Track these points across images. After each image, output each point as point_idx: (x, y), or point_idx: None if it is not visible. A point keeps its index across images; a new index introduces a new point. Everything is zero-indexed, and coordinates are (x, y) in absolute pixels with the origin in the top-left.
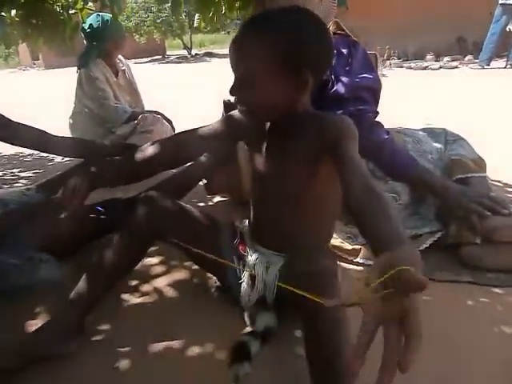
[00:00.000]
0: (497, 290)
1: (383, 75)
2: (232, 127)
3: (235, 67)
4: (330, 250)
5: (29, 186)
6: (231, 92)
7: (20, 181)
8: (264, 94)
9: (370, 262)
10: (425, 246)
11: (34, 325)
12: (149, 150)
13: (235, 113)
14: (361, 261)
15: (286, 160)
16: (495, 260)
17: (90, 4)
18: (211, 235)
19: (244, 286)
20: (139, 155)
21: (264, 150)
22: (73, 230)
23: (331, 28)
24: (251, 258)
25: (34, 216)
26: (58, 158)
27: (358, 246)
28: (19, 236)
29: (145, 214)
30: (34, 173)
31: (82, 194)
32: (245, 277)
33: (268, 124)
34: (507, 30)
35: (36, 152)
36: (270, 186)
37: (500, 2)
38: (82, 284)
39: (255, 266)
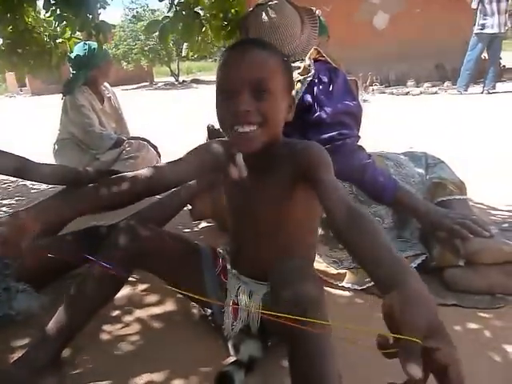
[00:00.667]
0: (483, 314)
1: (365, 100)
2: (207, 159)
3: (241, 80)
4: (314, 275)
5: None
6: (241, 106)
7: (2, 208)
8: (279, 108)
9: (356, 287)
10: None
11: (9, 358)
12: (122, 183)
13: (211, 143)
14: (346, 285)
15: (262, 190)
16: (480, 282)
17: (78, 33)
18: (192, 263)
19: (227, 314)
20: (112, 187)
21: (240, 180)
22: (52, 259)
23: (312, 55)
24: (233, 285)
25: None
26: (42, 185)
27: (343, 271)
28: None
29: (124, 242)
30: (16, 200)
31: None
32: (227, 305)
33: (241, 154)
34: (482, 57)
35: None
36: (247, 217)
37: (475, 31)
38: (59, 315)
39: (238, 295)
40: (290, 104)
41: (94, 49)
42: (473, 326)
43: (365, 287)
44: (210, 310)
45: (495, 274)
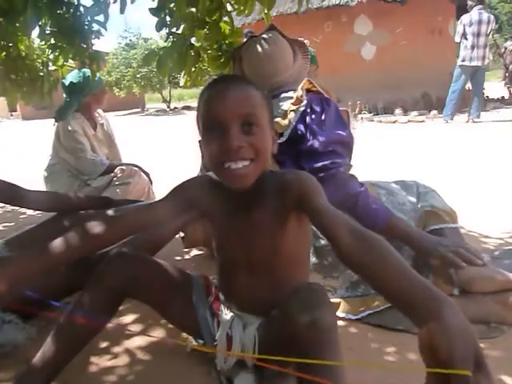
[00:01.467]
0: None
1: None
2: (188, 199)
3: (230, 116)
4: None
5: None
6: (234, 143)
7: None
8: (266, 139)
9: (351, 316)
10: None
11: None
12: (97, 229)
13: (189, 183)
14: (341, 315)
15: (252, 225)
16: (474, 312)
17: (71, 61)
18: (183, 293)
19: (220, 346)
20: (85, 234)
21: (228, 217)
22: (40, 288)
23: (305, 86)
24: (226, 317)
25: None
26: (31, 211)
27: (337, 300)
28: None
29: (115, 270)
30: (4, 226)
31: None
32: (220, 338)
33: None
34: (466, 88)
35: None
36: (237, 253)
37: (458, 63)
38: (45, 347)
39: (231, 327)
40: (273, 136)
41: (88, 76)
42: None
43: (359, 317)
44: (201, 341)
45: (490, 303)
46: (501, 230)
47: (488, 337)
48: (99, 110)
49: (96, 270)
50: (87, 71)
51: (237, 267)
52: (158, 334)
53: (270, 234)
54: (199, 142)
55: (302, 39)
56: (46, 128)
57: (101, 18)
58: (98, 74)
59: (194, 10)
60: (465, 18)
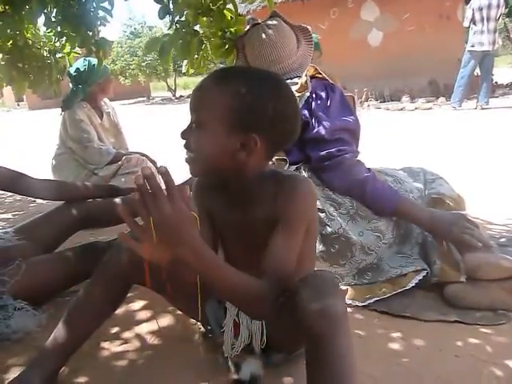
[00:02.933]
0: (484, 330)
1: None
2: (201, 205)
3: (190, 112)
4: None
5: (6, 229)
6: (181, 135)
7: None
8: (210, 142)
9: (357, 303)
10: (411, 285)
11: (4, 379)
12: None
13: (194, 191)
14: (348, 302)
15: (249, 225)
16: (481, 298)
17: (77, 48)
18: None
19: (227, 333)
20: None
21: (226, 216)
22: (50, 276)
23: (309, 72)
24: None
25: (8, 261)
26: (40, 200)
27: (344, 287)
28: None
29: (122, 257)
30: (13, 214)
31: None
32: (228, 324)
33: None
34: (475, 74)
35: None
36: (238, 252)
37: (468, 48)
38: (57, 332)
39: (239, 313)
40: (245, 143)
41: (94, 64)
42: (474, 341)
43: (366, 303)
44: (209, 327)
45: (496, 290)
46: (507, 217)
47: (494, 323)
48: (105, 99)
49: (105, 255)
50: (92, 60)
51: (239, 264)
52: (166, 320)
53: (266, 233)
54: None
55: (306, 26)
56: (53, 117)
57: (106, 4)
58: (102, 64)
59: None
60: (474, 3)
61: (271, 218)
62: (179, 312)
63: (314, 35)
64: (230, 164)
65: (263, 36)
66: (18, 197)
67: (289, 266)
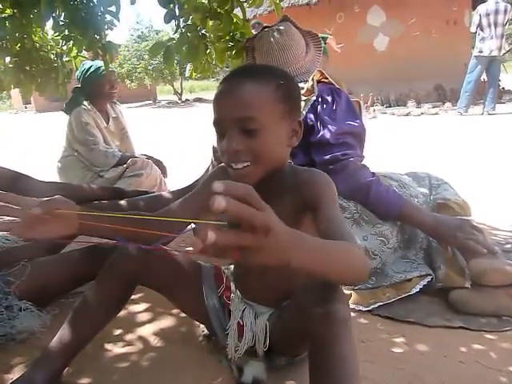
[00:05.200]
0: (489, 336)
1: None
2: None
3: (228, 118)
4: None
5: None
6: (230, 146)
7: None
8: (274, 141)
9: (361, 308)
10: (415, 290)
11: (7, 379)
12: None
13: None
14: (351, 306)
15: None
16: (486, 304)
17: (84, 52)
18: (194, 281)
19: (231, 336)
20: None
21: None
22: (55, 277)
23: (316, 77)
24: (237, 307)
25: (14, 261)
26: None
27: (348, 291)
28: None
29: (127, 258)
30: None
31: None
32: (232, 326)
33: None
34: (481, 79)
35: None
36: None
37: (474, 54)
38: (61, 333)
39: (243, 316)
40: (294, 128)
41: (101, 68)
42: (479, 348)
43: (370, 308)
44: (212, 331)
45: (501, 296)
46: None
47: (499, 330)
48: (114, 103)
49: (110, 258)
50: (99, 63)
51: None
52: (169, 322)
53: (289, 223)
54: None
55: (315, 32)
56: (60, 120)
57: (113, 8)
58: (99, 65)
59: (204, 1)
60: (481, 8)
61: (292, 211)
62: (182, 314)
63: (324, 36)
64: (285, 155)
65: (272, 39)
66: None
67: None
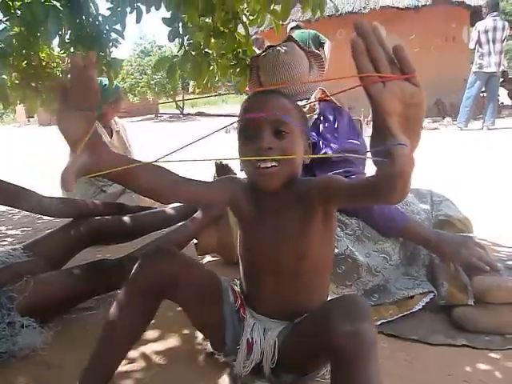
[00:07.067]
0: (493, 355)
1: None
2: (231, 191)
3: (263, 121)
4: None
5: (15, 246)
6: (264, 144)
7: (7, 239)
8: (296, 145)
9: None
10: (417, 307)
11: None
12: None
13: (235, 178)
14: None
15: (282, 228)
16: (490, 322)
17: None
18: (213, 294)
19: (240, 352)
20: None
21: (257, 219)
22: (57, 293)
23: (318, 95)
24: (249, 322)
25: (17, 277)
26: (48, 217)
27: None
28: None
29: (151, 270)
30: (22, 231)
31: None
32: (242, 343)
33: (259, 195)
34: (481, 95)
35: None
36: (264, 257)
37: (473, 70)
38: (93, 361)
39: (252, 332)
40: (306, 148)
41: (105, 84)
42: (483, 367)
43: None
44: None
45: (505, 313)
46: None
47: (503, 348)
48: (115, 118)
49: (114, 274)
50: (103, 80)
51: (262, 270)
52: (172, 339)
53: (297, 237)
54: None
55: (318, 52)
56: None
57: (118, 27)
58: (115, 83)
59: (208, 20)
60: (480, 25)
61: (304, 219)
62: (185, 332)
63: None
64: (300, 167)
65: (277, 58)
66: (26, 213)
67: None
